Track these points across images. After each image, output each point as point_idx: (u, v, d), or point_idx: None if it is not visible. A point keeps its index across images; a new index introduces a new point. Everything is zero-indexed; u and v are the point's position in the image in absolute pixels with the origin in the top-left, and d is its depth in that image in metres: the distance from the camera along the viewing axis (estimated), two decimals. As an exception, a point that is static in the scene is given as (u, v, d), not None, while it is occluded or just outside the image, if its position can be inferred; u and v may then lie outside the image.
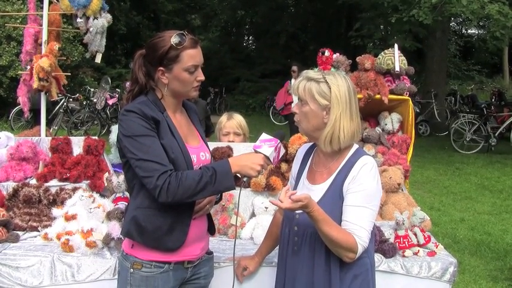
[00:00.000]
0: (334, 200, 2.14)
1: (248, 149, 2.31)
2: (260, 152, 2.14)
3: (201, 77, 2.22)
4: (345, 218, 2.11)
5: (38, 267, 2.69)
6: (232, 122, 3.85)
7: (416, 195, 7.83)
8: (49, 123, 10.86)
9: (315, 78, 2.15)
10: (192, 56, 2.16)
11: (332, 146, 2.15)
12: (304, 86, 2.16)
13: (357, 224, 2.08)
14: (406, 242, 2.88)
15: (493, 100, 16.11)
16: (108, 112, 13.55)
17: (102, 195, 3.25)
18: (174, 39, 2.13)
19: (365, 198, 2.10)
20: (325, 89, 2.12)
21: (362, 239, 2.08)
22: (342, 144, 2.15)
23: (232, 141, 3.75)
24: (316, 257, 2.15)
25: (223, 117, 3.93)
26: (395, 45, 4.13)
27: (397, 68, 4.01)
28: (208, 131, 4.46)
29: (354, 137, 2.17)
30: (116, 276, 2.45)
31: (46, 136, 3.88)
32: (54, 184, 3.38)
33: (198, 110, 4.01)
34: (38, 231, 3.06)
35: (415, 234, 2.94)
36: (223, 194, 2.65)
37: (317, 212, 2.03)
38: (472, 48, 26.32)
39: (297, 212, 2.22)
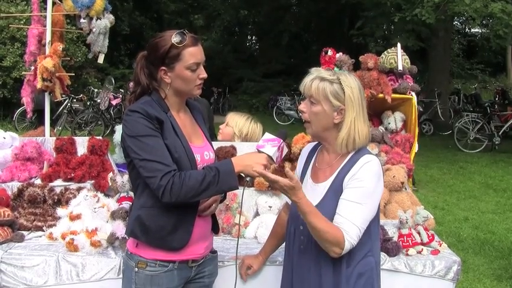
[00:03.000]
0: (336, 197, 2.13)
1: (252, 149, 2.31)
2: (263, 152, 2.15)
3: (204, 75, 2.22)
4: (337, 211, 2.09)
5: (43, 267, 2.70)
6: (235, 116, 3.90)
7: (420, 194, 7.84)
8: (53, 124, 10.85)
9: (329, 79, 2.13)
10: (193, 53, 2.17)
11: (348, 148, 2.14)
12: (318, 86, 2.13)
13: (347, 219, 2.06)
14: (410, 241, 2.89)
15: (497, 99, 16.08)
16: (111, 112, 13.57)
17: (107, 195, 3.26)
18: (175, 38, 2.13)
19: (362, 195, 2.08)
20: (338, 90, 2.11)
21: (350, 235, 2.05)
22: (357, 146, 2.14)
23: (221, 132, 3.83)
24: (323, 255, 2.14)
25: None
26: (398, 44, 4.14)
27: (400, 67, 4.02)
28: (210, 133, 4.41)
29: (367, 138, 2.16)
30: (121, 276, 2.46)
31: (50, 136, 3.89)
32: (58, 184, 3.40)
33: (204, 109, 4.02)
34: (43, 231, 3.07)
35: (419, 233, 2.95)
36: (227, 193, 2.66)
37: (305, 204, 2.04)
38: (475, 47, 26.22)
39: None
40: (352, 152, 2.18)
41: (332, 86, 2.12)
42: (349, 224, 2.05)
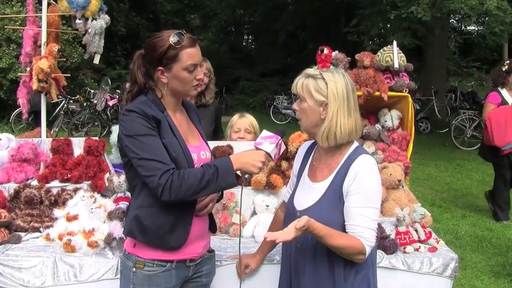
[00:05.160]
0: (334, 201, 2.15)
1: (249, 148, 2.32)
2: (261, 149, 2.15)
3: (200, 76, 2.23)
4: (350, 222, 2.12)
5: (40, 268, 2.70)
6: (244, 119, 3.93)
7: (418, 192, 7.83)
8: (50, 125, 10.86)
9: (313, 75, 2.17)
10: (191, 55, 2.17)
11: (328, 141, 2.16)
12: (302, 83, 2.18)
13: (362, 226, 2.10)
14: (407, 238, 2.89)
15: (493, 96, 16.06)
16: (108, 113, 13.56)
17: (104, 196, 3.26)
18: (173, 39, 2.13)
19: (367, 198, 2.11)
20: (321, 85, 2.14)
21: (369, 240, 2.10)
22: (339, 140, 2.15)
23: (243, 138, 3.82)
24: (319, 253, 2.16)
25: (235, 116, 4.00)
26: (394, 42, 4.14)
27: (396, 65, 4.02)
28: (217, 133, 4.39)
29: (352, 133, 2.17)
30: (118, 276, 2.46)
31: (47, 137, 3.88)
32: (55, 185, 3.40)
33: (212, 110, 4.06)
34: (40, 232, 3.06)
35: (416, 230, 2.95)
36: (224, 192, 2.66)
37: (318, 230, 2.05)
38: (471, 45, 26.27)
39: (297, 209, 2.23)
40: (348, 151, 2.20)
41: (315, 81, 2.16)
42: (366, 231, 2.10)
